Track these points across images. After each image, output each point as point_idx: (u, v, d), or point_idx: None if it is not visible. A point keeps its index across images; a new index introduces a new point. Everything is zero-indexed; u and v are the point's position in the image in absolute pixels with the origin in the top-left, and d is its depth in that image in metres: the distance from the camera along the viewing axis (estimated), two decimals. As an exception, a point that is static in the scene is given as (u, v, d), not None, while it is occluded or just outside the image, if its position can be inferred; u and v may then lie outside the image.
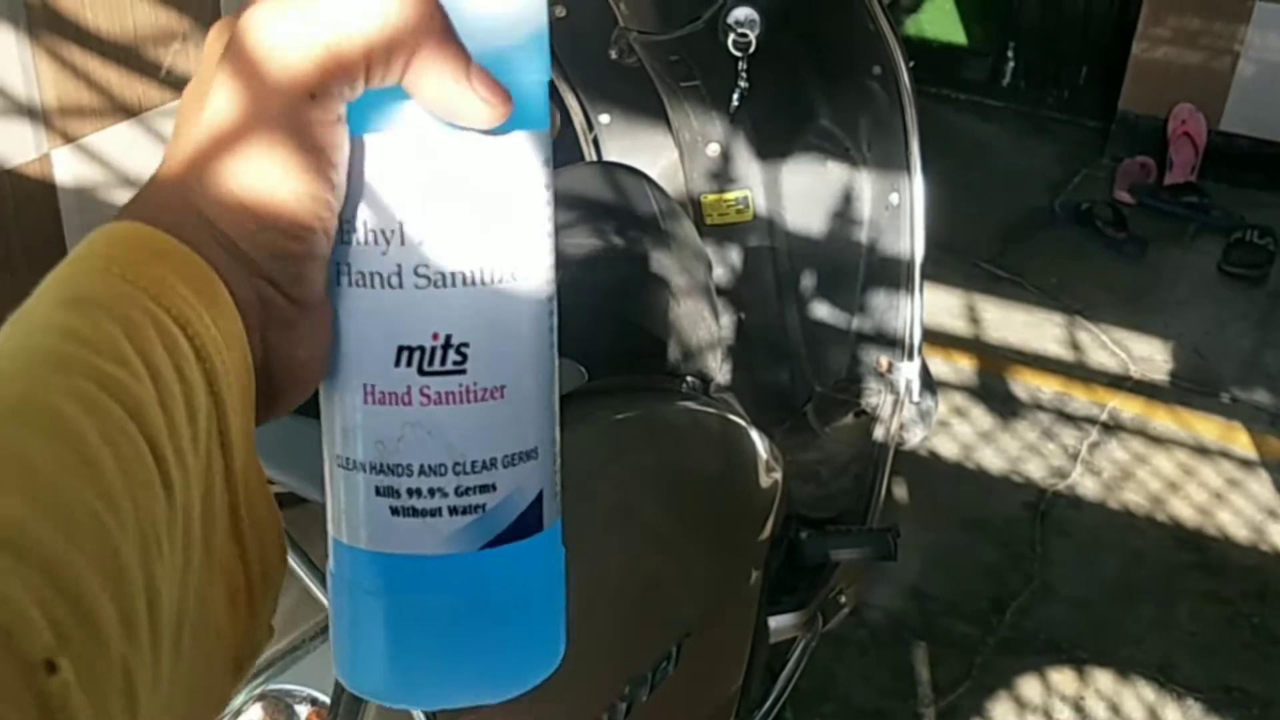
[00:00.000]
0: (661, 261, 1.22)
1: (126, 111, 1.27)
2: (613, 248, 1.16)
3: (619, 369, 1.06)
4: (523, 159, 0.37)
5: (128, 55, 1.26)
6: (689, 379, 1.21)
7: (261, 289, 0.34)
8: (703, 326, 1.24)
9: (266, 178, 0.34)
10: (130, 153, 1.29)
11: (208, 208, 0.34)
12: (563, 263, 1.03)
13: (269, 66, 0.33)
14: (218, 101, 0.34)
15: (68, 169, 1.22)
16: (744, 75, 1.67)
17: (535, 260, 0.38)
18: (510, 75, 0.35)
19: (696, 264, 1.34)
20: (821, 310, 1.79)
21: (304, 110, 0.33)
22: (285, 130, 0.33)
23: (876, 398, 1.73)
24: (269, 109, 0.33)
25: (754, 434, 1.26)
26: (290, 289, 0.34)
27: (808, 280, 1.80)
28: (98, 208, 1.27)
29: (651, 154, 1.87)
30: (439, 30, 0.34)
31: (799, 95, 1.72)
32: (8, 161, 1.16)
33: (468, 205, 0.35)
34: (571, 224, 1.18)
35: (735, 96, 1.69)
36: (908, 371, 1.73)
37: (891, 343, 1.74)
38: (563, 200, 1.26)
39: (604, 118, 1.85)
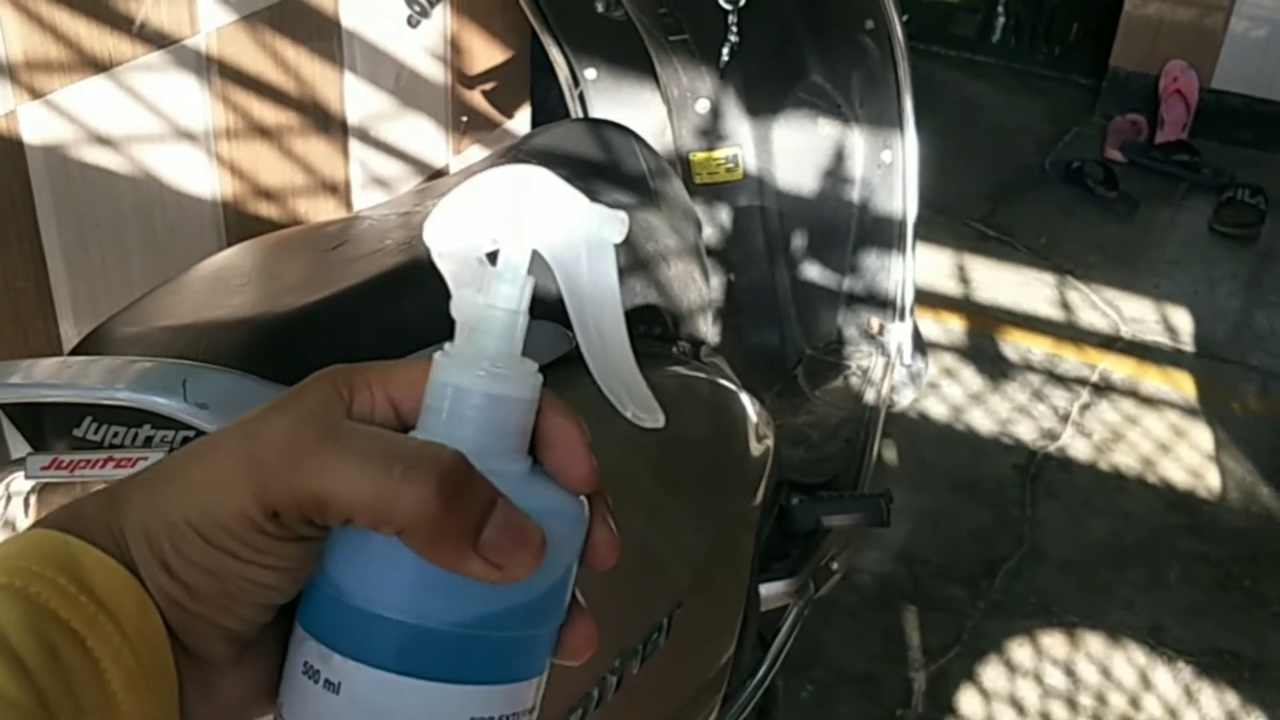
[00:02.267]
0: (650, 222, 1.18)
1: (97, 66, 1.23)
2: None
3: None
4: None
5: (97, 7, 1.21)
6: (679, 343, 1.18)
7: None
8: (693, 289, 1.21)
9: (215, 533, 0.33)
10: (101, 108, 1.25)
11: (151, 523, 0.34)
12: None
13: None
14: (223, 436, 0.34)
15: (36, 126, 1.17)
16: (734, 29, 1.63)
17: None
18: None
19: (686, 224, 1.31)
20: (812, 271, 1.76)
21: (254, 524, 0.33)
22: (217, 520, 0.33)
23: (867, 360, 1.71)
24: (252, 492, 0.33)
25: (745, 399, 1.24)
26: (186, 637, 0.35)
27: (798, 240, 1.77)
28: (67, 165, 1.23)
29: (639, 110, 1.83)
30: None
31: (790, 50, 1.68)
32: (-28, 117, 1.12)
33: None
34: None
35: (725, 51, 1.65)
36: (899, 333, 1.70)
37: (883, 304, 1.72)
38: (548, 157, 1.22)
39: (590, 73, 1.80)
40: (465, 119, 1.93)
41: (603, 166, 1.26)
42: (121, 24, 1.24)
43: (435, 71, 1.80)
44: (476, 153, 1.95)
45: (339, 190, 1.65)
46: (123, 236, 1.32)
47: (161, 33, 1.30)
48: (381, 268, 0.89)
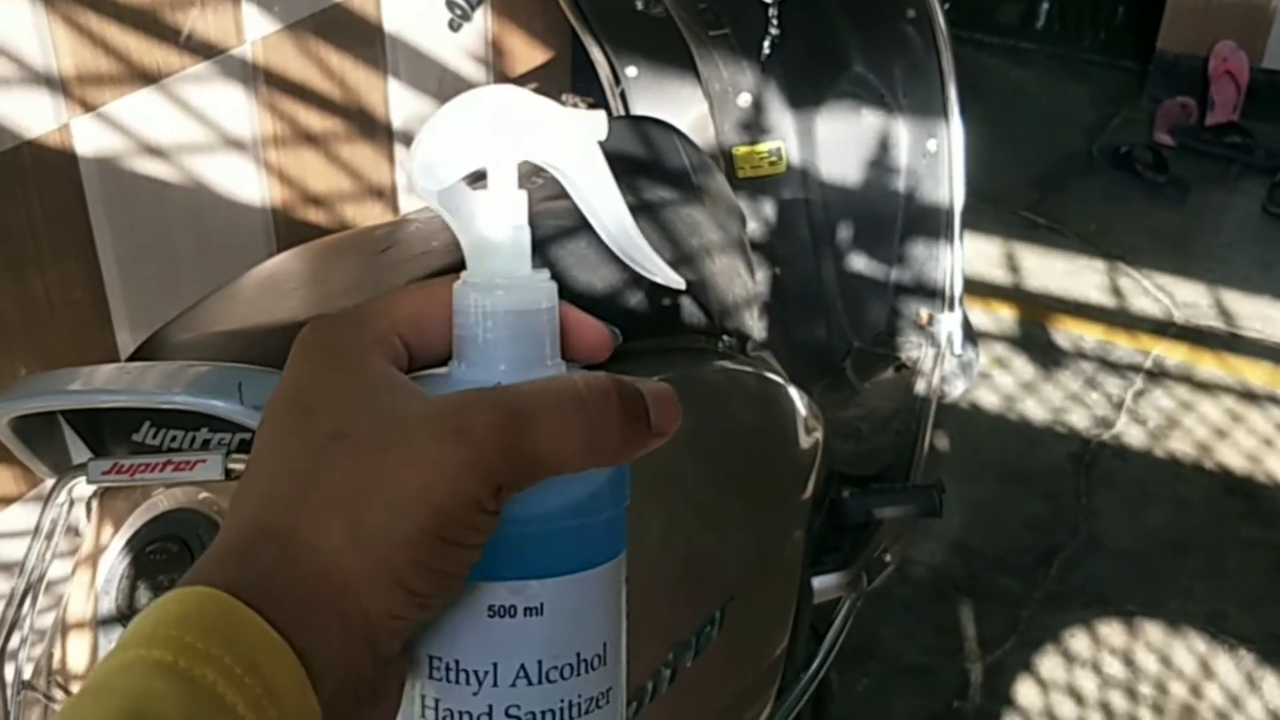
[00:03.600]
0: (693, 217, 1.18)
1: (146, 78, 1.25)
2: (643, 204, 1.12)
3: (652, 329, 1.03)
4: (611, 594, 0.39)
5: (146, 20, 1.23)
6: (725, 338, 1.18)
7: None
8: (738, 283, 1.21)
9: (415, 550, 0.33)
10: (151, 119, 1.27)
11: (334, 567, 0.33)
12: (573, 220, 0.99)
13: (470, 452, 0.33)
14: (373, 460, 0.33)
15: (88, 138, 1.20)
16: (774, 22, 1.63)
17: (619, 693, 0.40)
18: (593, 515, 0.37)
19: (730, 219, 1.31)
20: (859, 263, 1.75)
21: (483, 508, 0.34)
22: (452, 516, 0.33)
23: (917, 351, 1.70)
24: (451, 488, 0.33)
25: (793, 392, 1.23)
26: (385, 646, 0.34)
27: (844, 232, 1.76)
28: (120, 176, 1.25)
29: (680, 107, 1.83)
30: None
31: (831, 42, 1.67)
32: (28, 132, 1.14)
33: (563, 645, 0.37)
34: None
35: (766, 45, 1.65)
36: (949, 323, 1.69)
37: (931, 294, 1.71)
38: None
39: (630, 70, 1.80)
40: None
41: (645, 163, 1.27)
42: (170, 36, 1.26)
43: (477, 74, 1.81)
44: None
45: (385, 195, 1.66)
46: (175, 245, 1.35)
47: (208, 43, 1.32)
48: (429, 269, 0.90)
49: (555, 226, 1.00)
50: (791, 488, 1.19)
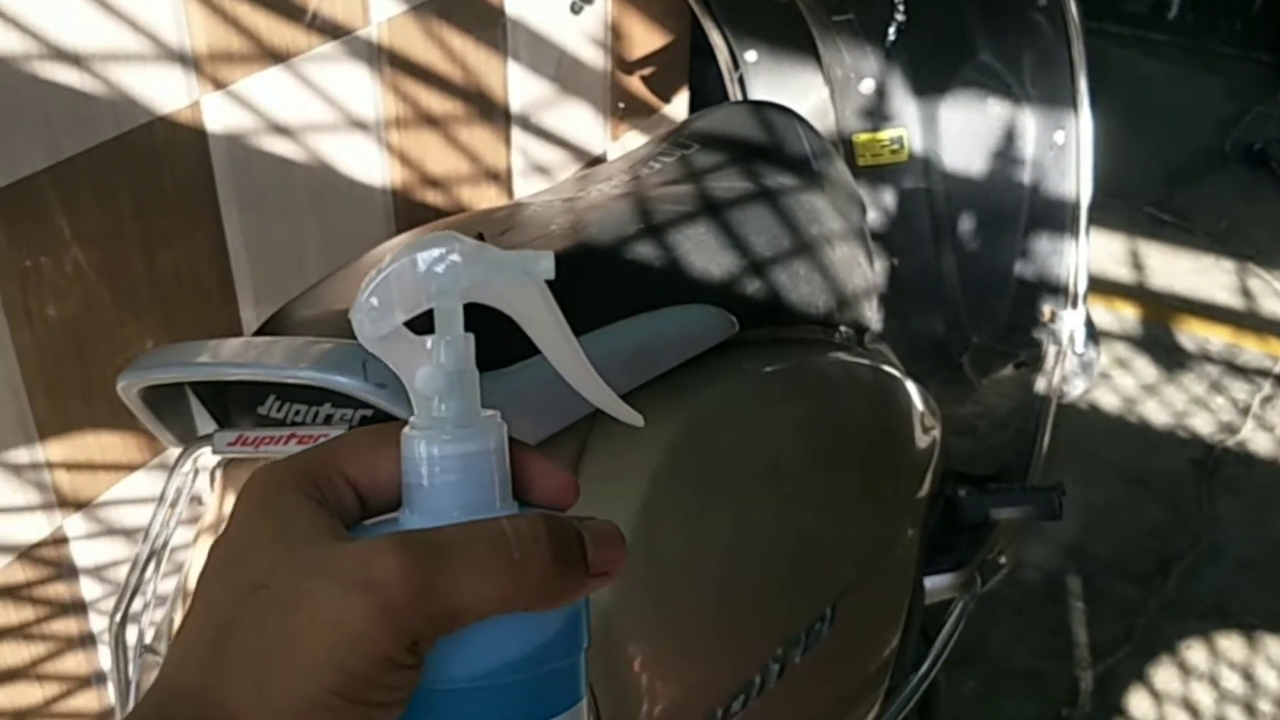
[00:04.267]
0: (815, 204, 1.16)
1: (275, 57, 1.27)
2: (762, 191, 1.11)
3: (768, 319, 1.02)
4: None
5: (276, 0, 1.25)
6: (843, 329, 1.16)
7: None
8: (857, 273, 1.18)
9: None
10: (278, 98, 1.29)
11: None
12: (710, 207, 0.98)
13: (373, 595, 0.32)
14: (285, 614, 0.32)
15: (218, 116, 1.22)
16: (900, 8, 1.60)
17: None
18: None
19: (851, 206, 1.29)
20: (981, 256, 1.71)
21: (398, 663, 0.32)
22: (362, 676, 0.32)
23: (1037, 348, 1.65)
24: (358, 648, 0.32)
25: (911, 387, 1.21)
26: None
27: (966, 224, 1.72)
28: (247, 154, 1.28)
29: (800, 92, 1.80)
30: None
31: (959, 29, 1.63)
32: (161, 108, 1.17)
33: None
34: (719, 166, 1.14)
35: (891, 30, 1.62)
36: (1071, 321, 1.64)
37: (1054, 290, 1.66)
38: (710, 141, 1.22)
39: (750, 55, 1.79)
40: (623, 105, 1.94)
41: (765, 148, 1.25)
42: (298, 16, 1.28)
43: (595, 58, 1.81)
44: (634, 138, 1.95)
45: (500, 178, 1.67)
46: (299, 223, 1.37)
47: (335, 24, 1.33)
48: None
49: (673, 212, 0.99)
50: (907, 484, 1.16)
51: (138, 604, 0.90)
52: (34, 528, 1.17)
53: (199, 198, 1.25)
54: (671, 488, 0.89)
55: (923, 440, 1.20)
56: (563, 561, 0.34)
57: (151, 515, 0.87)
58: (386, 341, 0.36)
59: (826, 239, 1.14)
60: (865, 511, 1.09)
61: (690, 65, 2.03)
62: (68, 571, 1.22)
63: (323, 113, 1.35)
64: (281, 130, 1.31)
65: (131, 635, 0.91)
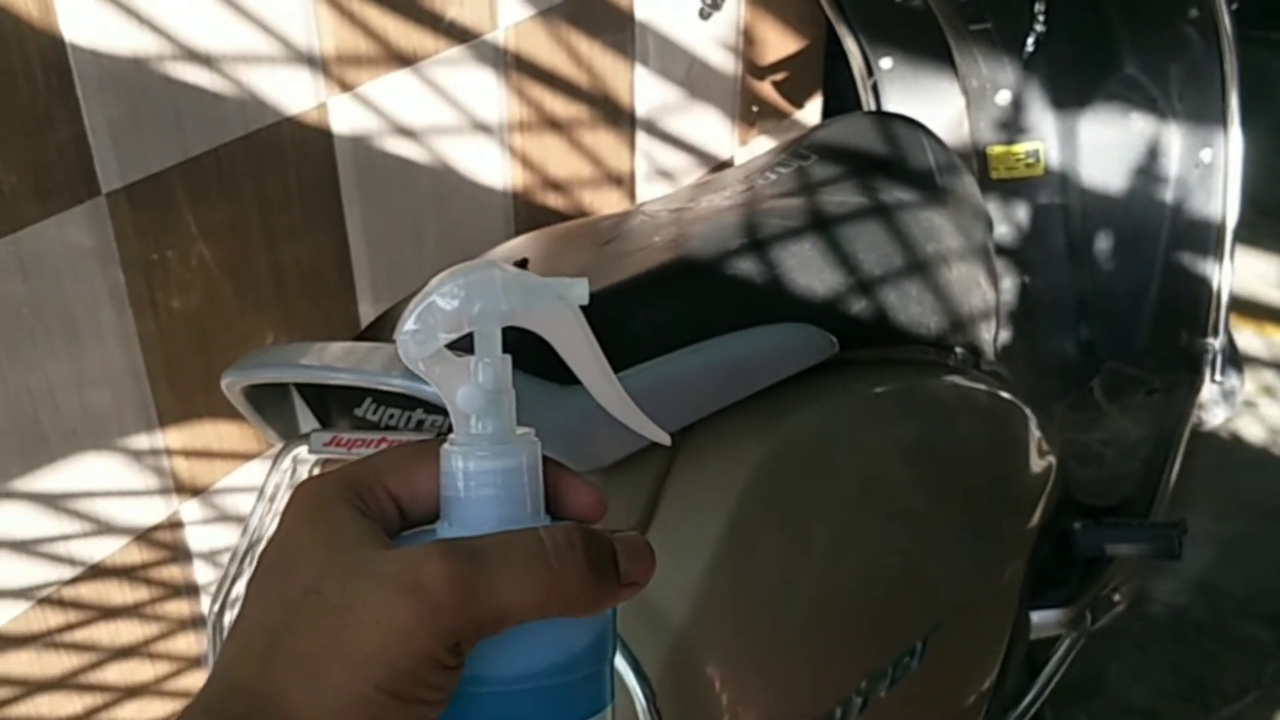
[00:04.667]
0: (934, 221, 1.13)
1: (402, 60, 1.29)
2: (877, 206, 1.08)
3: (875, 339, 0.99)
4: None
5: (405, 3, 1.27)
6: (956, 351, 1.12)
7: None
8: (976, 294, 1.15)
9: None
10: (404, 101, 1.31)
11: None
12: (819, 222, 0.96)
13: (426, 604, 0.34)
14: (338, 612, 0.34)
15: (344, 117, 1.24)
16: (1041, 18, 1.54)
17: None
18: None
19: (975, 224, 1.25)
20: (1117, 275, 1.64)
21: (441, 664, 0.34)
22: (408, 674, 0.34)
23: (1174, 374, 1.58)
24: (409, 648, 0.34)
25: (1027, 412, 1.17)
26: None
27: (1103, 242, 1.65)
28: (371, 155, 1.30)
29: (935, 101, 1.76)
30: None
31: (1102, 40, 1.57)
32: (288, 109, 1.20)
33: None
34: (835, 179, 1.12)
35: (1030, 41, 1.56)
36: (1212, 346, 1.57)
37: (1194, 314, 1.58)
38: (829, 152, 1.19)
39: (885, 62, 1.75)
40: (756, 109, 1.92)
41: (887, 161, 1.22)
42: (426, 20, 1.30)
43: (725, 62, 1.79)
44: (763, 144, 1.93)
45: (623, 182, 1.67)
46: (419, 223, 1.39)
47: (464, 28, 1.35)
48: (645, 266, 0.89)
49: (779, 226, 0.97)
50: (1016, 513, 1.13)
51: (236, 590, 0.92)
52: (152, 511, 1.22)
53: (323, 196, 1.27)
54: (760, 507, 0.88)
55: (1036, 469, 1.16)
56: (596, 570, 0.36)
57: (252, 508, 0.90)
58: (430, 362, 0.38)
59: (943, 257, 1.10)
60: (968, 541, 1.06)
61: (825, 70, 2.00)
62: (182, 555, 1.26)
63: (447, 115, 1.37)
64: (405, 132, 1.33)
65: (229, 619, 0.94)
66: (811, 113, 2.02)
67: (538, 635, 0.36)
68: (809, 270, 0.95)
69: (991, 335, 1.18)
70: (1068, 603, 1.16)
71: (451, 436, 0.38)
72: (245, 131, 1.17)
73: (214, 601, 0.94)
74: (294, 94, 1.20)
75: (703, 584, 0.83)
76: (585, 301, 0.39)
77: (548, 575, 0.35)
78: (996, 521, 1.10)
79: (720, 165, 1.85)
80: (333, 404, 0.93)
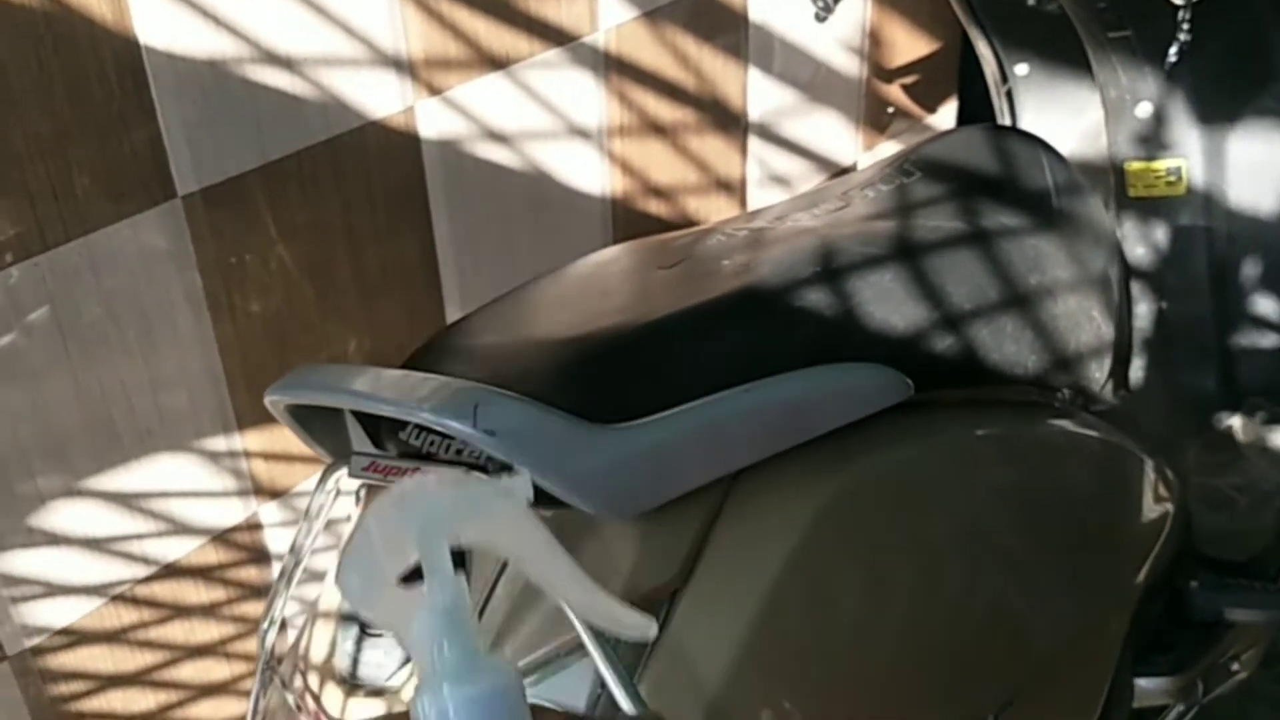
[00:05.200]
0: (1042, 249, 1.04)
1: (493, 63, 1.25)
2: (980, 231, 1.00)
3: (961, 379, 0.92)
4: None
5: (496, 4, 1.23)
6: (1061, 391, 1.03)
7: None
8: (1087, 329, 1.05)
9: None
10: (496, 104, 1.28)
11: None
12: (907, 250, 0.89)
13: None
14: None
15: (432, 121, 1.22)
16: (1185, 26, 1.42)
17: None
18: None
19: (1095, 251, 1.15)
20: (1266, 306, 1.50)
21: None
22: None
23: (1324, 416, 1.44)
24: None
25: (1142, 458, 1.07)
26: None
27: (1250, 269, 1.52)
28: (461, 159, 1.27)
29: (1072, 111, 1.65)
30: None
31: (1255, 49, 1.44)
32: (372, 113, 1.17)
33: None
34: (935, 200, 1.04)
35: (1173, 51, 1.44)
36: (1368, 388, 1.42)
37: (1350, 351, 1.44)
38: (934, 169, 1.11)
39: (1021, 69, 1.65)
40: (891, 110, 1.83)
41: (998, 180, 1.13)
42: (519, 22, 1.26)
43: (849, 65, 1.71)
44: (890, 149, 1.84)
45: (733, 188, 1.61)
46: (511, 228, 1.35)
47: (560, 29, 1.31)
48: (707, 294, 0.83)
49: (860, 254, 0.90)
50: (1121, 567, 1.03)
51: (277, 609, 0.90)
52: (230, 512, 1.21)
53: (409, 201, 1.25)
54: (822, 557, 0.81)
55: (1148, 520, 1.06)
56: None
57: (296, 530, 0.87)
58: (377, 605, 0.35)
59: (1048, 290, 1.01)
60: (1063, 595, 0.97)
61: (960, 76, 1.91)
62: (260, 556, 1.25)
63: (541, 119, 1.33)
64: (497, 136, 1.30)
65: (270, 637, 0.92)
66: (945, 117, 1.93)
67: None
68: (889, 303, 0.88)
69: (1104, 373, 1.09)
70: (1177, 670, 1.06)
71: (415, 680, 0.35)
72: (328, 135, 1.15)
73: (263, 619, 0.92)
74: (380, 97, 1.18)
75: (748, 640, 0.77)
76: (529, 495, 0.39)
77: None
78: (1097, 575, 1.01)
79: (842, 171, 1.77)
80: (382, 425, 0.90)
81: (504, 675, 0.35)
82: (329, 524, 0.88)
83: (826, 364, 0.81)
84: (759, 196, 1.64)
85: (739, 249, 0.94)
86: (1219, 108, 1.47)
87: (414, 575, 0.34)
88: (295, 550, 0.89)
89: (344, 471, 0.86)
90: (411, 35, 1.18)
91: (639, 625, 0.38)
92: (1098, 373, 1.07)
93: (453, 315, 1.34)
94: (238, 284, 1.14)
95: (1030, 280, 1.00)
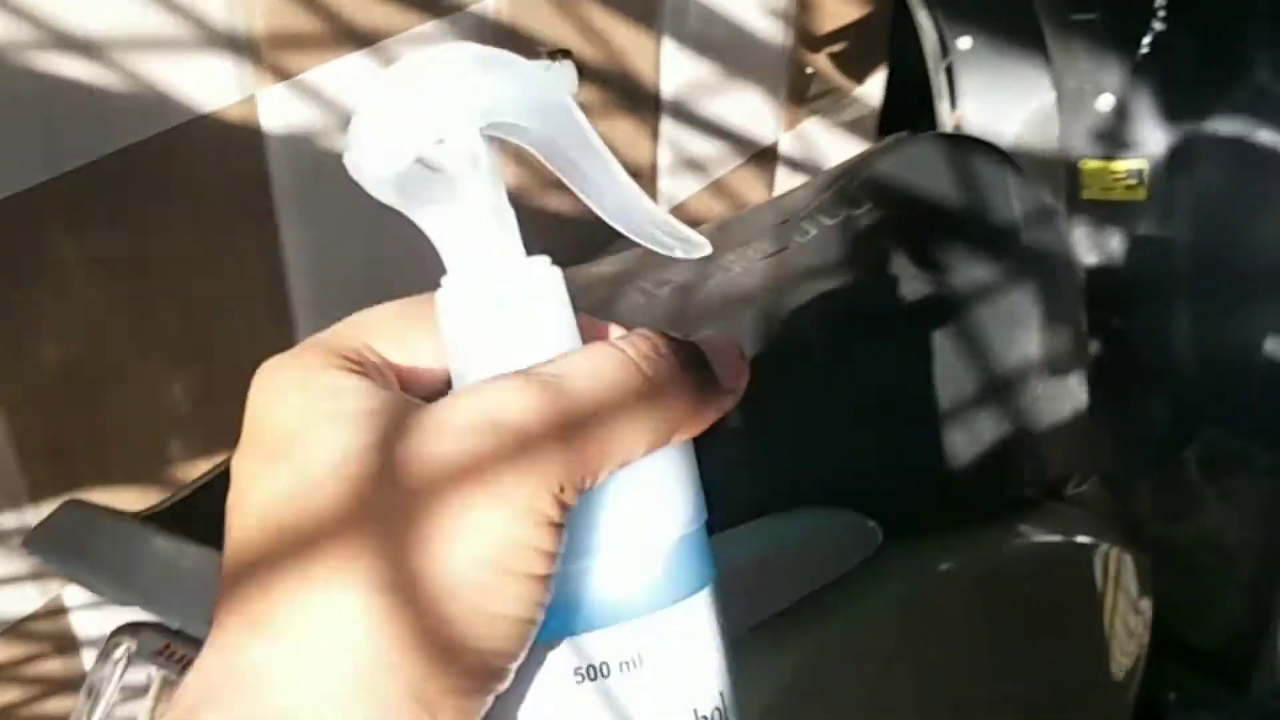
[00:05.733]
0: (1019, 307, 0.87)
1: (357, 39, 1.03)
2: (952, 298, 0.82)
3: (937, 504, 0.74)
4: (717, 628, 0.31)
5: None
6: (1024, 479, 0.87)
7: None
8: (1066, 404, 0.89)
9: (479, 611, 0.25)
10: (360, 90, 1.04)
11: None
12: (868, 333, 0.70)
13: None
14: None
15: (278, 112, 0.99)
16: (1161, 14, 1.26)
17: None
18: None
19: (1066, 297, 0.98)
20: (1231, 327, 1.35)
21: (548, 519, 0.26)
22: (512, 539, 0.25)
23: (1286, 453, 1.31)
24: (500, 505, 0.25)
25: (1115, 556, 0.92)
26: None
27: (1215, 285, 1.36)
28: (315, 157, 1.05)
29: (1020, 93, 1.48)
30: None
31: (1231, 42, 1.27)
32: (202, 105, 0.95)
33: None
34: (892, 245, 0.85)
35: (1146, 40, 1.28)
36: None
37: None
38: (887, 199, 0.93)
39: (963, 42, 1.47)
40: (810, 70, 1.64)
41: (960, 214, 0.95)
42: (389, -8, 1.03)
43: (772, 31, 1.51)
44: (813, 127, 1.65)
45: (642, 176, 1.41)
46: (378, 234, 1.13)
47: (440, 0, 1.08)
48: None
49: (802, 342, 0.71)
50: (1106, 687, 0.88)
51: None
52: (26, 599, 1.00)
53: (250, 207, 1.03)
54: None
55: (1130, 629, 0.91)
56: (694, 370, 0.29)
57: (73, 713, 0.67)
58: (396, 184, 0.29)
59: (1028, 365, 0.84)
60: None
61: (890, 45, 1.72)
62: (66, 645, 1.04)
63: (417, 107, 1.11)
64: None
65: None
66: (873, 88, 1.74)
67: (635, 479, 0.28)
68: (852, 422, 0.69)
69: (1084, 451, 0.92)
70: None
71: (445, 278, 0.30)
72: (144, 135, 0.92)
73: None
74: (211, 86, 0.95)
75: None
76: (574, 89, 0.32)
77: (645, 387, 0.28)
78: (1083, 699, 0.86)
79: (762, 151, 1.58)
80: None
81: (550, 284, 0.30)
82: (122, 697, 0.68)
83: (774, 514, 0.62)
84: (670, 185, 1.45)
85: (659, 310, 0.74)
86: (1188, 105, 1.31)
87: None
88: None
89: (134, 644, 0.65)
90: (252, 9, 0.94)
91: (695, 241, 0.33)
92: (1076, 455, 0.91)
93: (306, 335, 1.11)
94: (27, 327, 0.90)
95: (1010, 357, 0.82)
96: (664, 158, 1.43)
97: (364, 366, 0.29)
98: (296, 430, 0.27)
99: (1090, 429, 1.04)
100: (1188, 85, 1.30)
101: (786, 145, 1.61)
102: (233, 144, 0.98)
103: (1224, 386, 1.35)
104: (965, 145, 1.04)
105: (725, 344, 0.31)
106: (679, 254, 0.33)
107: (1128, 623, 0.94)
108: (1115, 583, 0.91)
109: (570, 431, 0.26)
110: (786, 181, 1.64)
